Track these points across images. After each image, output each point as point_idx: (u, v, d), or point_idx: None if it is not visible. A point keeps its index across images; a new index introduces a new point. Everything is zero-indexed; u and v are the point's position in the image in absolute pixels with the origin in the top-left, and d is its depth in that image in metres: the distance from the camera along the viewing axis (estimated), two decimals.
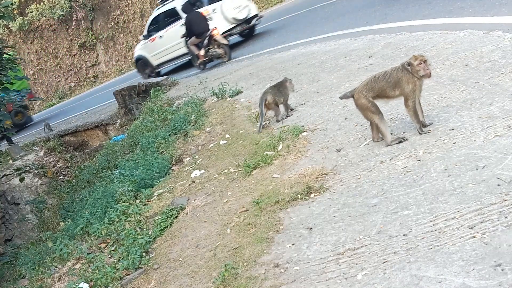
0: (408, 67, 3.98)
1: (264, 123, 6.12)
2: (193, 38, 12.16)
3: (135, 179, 6.62)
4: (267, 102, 6.03)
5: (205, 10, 12.91)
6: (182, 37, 12.81)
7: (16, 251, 8.45)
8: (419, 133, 4.04)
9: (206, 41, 11.97)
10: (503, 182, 2.96)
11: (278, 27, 13.90)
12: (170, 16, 14.05)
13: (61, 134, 13.89)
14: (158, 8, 14.82)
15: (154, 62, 15.03)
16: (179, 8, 13.52)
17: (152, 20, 14.93)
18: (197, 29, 12.03)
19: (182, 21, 12.97)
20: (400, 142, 4.08)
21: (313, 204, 3.85)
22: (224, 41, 12.12)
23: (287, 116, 6.11)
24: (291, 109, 6.24)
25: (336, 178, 4.06)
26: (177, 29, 13.57)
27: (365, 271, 2.84)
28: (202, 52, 12.09)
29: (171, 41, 14.01)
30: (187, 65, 14.53)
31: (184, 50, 13.63)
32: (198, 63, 12.55)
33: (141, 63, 15.52)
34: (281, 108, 6.16)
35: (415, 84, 3.99)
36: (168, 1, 14.43)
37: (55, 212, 9.78)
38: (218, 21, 13.00)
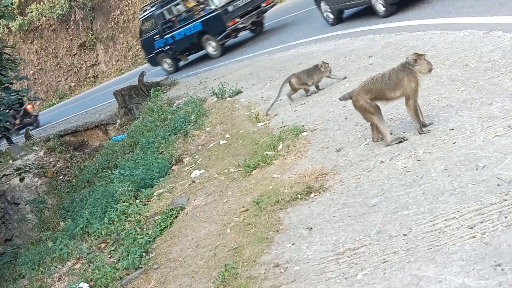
0: (412, 64, 3.99)
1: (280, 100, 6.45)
2: (12, 111, 16.06)
3: (135, 179, 6.61)
4: (290, 83, 6.56)
5: None
6: None
7: (16, 251, 8.43)
8: (419, 133, 4.04)
9: (21, 113, 17.00)
10: (503, 182, 2.96)
11: None
12: None
13: (61, 134, 13.90)
14: None
15: None
16: None
17: None
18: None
19: None
20: (400, 142, 4.08)
21: (313, 204, 3.85)
22: (34, 113, 18.07)
23: (308, 95, 6.55)
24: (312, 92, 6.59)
25: (336, 178, 4.06)
26: None
27: (365, 271, 2.84)
28: (17, 121, 17.00)
29: None
30: None
31: None
32: (14, 129, 16.69)
33: None
34: (312, 88, 6.61)
35: (417, 83, 4.01)
36: None
37: (55, 212, 9.75)
38: None
